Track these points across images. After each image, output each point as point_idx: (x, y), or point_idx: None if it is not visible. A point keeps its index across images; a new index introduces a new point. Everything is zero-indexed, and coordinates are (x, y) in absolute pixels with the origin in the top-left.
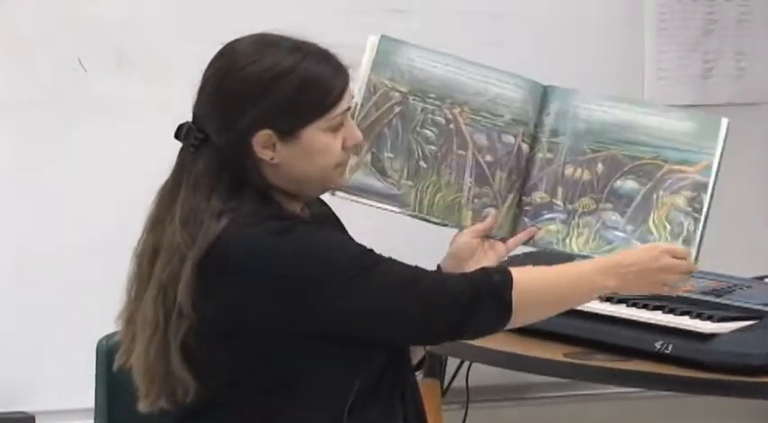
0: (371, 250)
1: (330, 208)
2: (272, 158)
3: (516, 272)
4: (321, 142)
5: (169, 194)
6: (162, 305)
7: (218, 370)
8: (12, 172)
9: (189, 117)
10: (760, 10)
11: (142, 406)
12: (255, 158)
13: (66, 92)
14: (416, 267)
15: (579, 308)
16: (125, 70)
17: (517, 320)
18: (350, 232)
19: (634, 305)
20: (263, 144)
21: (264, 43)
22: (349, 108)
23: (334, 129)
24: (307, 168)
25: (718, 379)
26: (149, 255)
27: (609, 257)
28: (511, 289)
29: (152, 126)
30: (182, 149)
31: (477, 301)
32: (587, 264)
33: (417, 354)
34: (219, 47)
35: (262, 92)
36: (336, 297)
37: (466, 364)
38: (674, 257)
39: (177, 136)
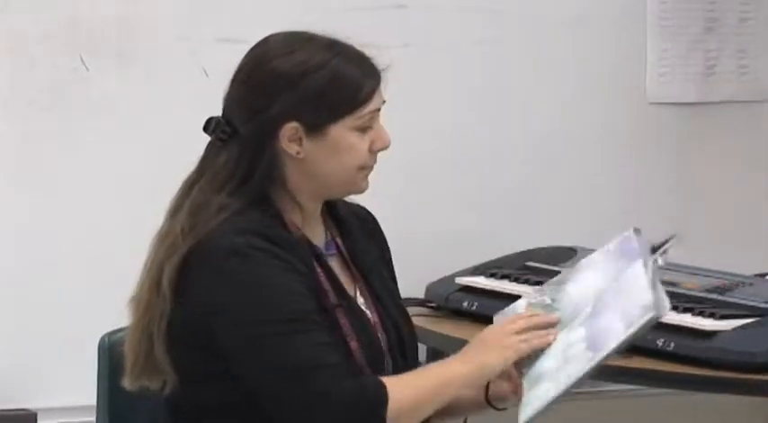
0: (300, 317)
1: (357, 217)
2: (298, 153)
3: (391, 385)
4: (348, 141)
5: (189, 185)
6: (155, 288)
7: (191, 367)
8: (13, 170)
9: (190, 115)
10: (761, 8)
11: (126, 382)
12: (279, 153)
13: (67, 90)
14: (324, 354)
15: None
16: (126, 69)
17: None
18: None
19: None
20: (290, 137)
21: (298, 38)
22: (379, 110)
23: (362, 129)
24: (331, 167)
25: (720, 376)
26: (161, 240)
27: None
28: (385, 405)
29: (153, 125)
30: (209, 143)
31: (353, 413)
32: (453, 361)
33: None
34: (220, 45)
35: (292, 84)
36: (236, 337)
37: None
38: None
39: (206, 129)
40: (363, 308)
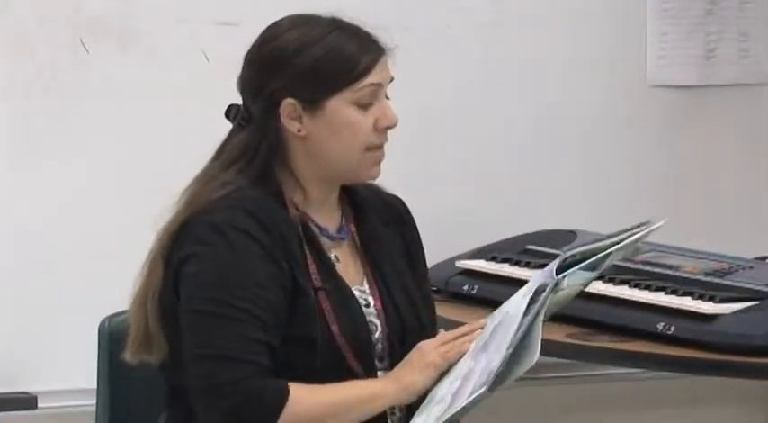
0: (243, 307)
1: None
2: (299, 131)
3: (296, 394)
4: (347, 116)
5: (206, 164)
6: (154, 257)
7: (178, 342)
8: (13, 152)
9: (190, 99)
10: None
11: (127, 355)
12: (283, 132)
13: (67, 73)
14: (245, 349)
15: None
16: (127, 52)
17: None
18: None
19: (636, 286)
20: (289, 114)
21: (303, 18)
22: (380, 85)
23: (363, 105)
24: (333, 145)
25: (720, 359)
26: (172, 211)
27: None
28: (279, 411)
29: (153, 108)
30: (231, 129)
31: (240, 412)
32: (380, 380)
33: None
34: (221, 29)
35: (287, 60)
36: (185, 308)
37: None
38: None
39: (227, 116)
40: (366, 294)
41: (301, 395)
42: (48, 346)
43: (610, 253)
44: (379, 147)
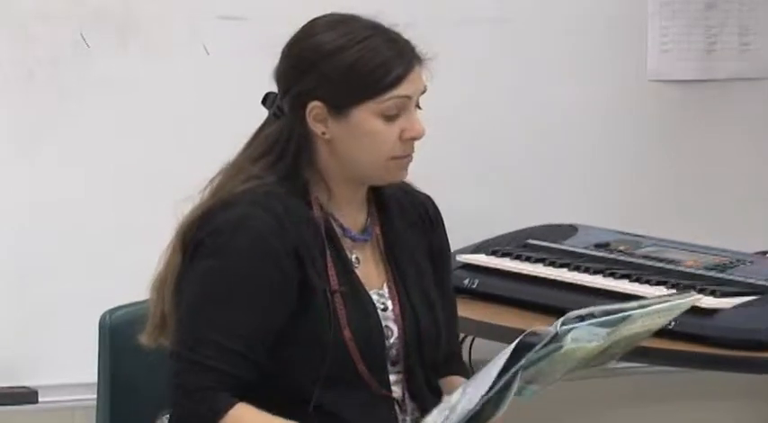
0: (238, 319)
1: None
2: (323, 133)
3: (237, 412)
4: (371, 126)
5: (236, 155)
6: (173, 244)
7: None
8: (12, 147)
9: (190, 92)
10: None
11: (143, 338)
12: (310, 132)
13: (67, 67)
14: (216, 354)
15: (582, 283)
16: (127, 45)
17: None
18: None
19: (637, 280)
20: (315, 117)
21: (341, 19)
22: (409, 98)
23: (389, 116)
24: (357, 152)
25: (721, 354)
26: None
27: None
28: None
29: (153, 101)
30: (265, 119)
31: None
32: None
33: None
34: (221, 22)
35: (317, 62)
36: (184, 301)
37: (468, 338)
38: None
39: (264, 103)
40: (385, 298)
41: (241, 415)
42: (48, 341)
43: (629, 315)
44: (405, 156)
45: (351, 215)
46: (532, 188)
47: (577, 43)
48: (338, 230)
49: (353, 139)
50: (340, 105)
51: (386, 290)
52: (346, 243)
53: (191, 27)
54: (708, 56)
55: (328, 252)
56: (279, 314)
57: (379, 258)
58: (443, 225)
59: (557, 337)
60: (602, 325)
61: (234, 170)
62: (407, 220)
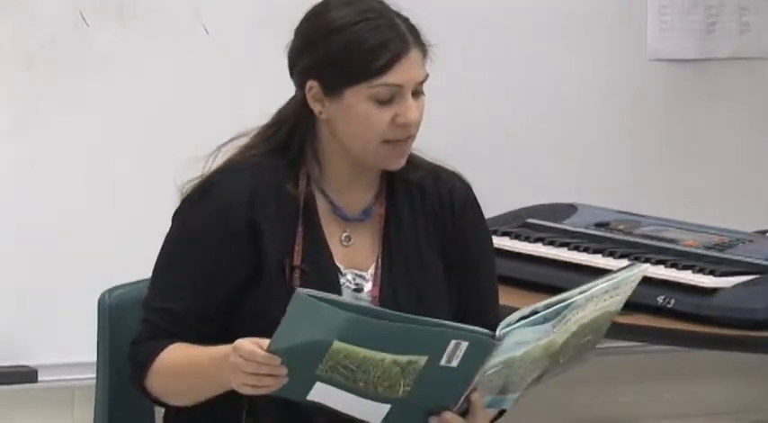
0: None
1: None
2: (320, 112)
3: (159, 361)
4: (362, 110)
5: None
6: None
7: None
8: (13, 125)
9: (190, 71)
10: None
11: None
12: (310, 109)
13: (67, 47)
14: (174, 296)
15: (581, 262)
16: (127, 25)
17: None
18: None
19: (636, 259)
20: (313, 96)
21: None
22: (399, 86)
23: (382, 100)
24: (348, 134)
25: (720, 333)
26: None
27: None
28: (146, 371)
29: (154, 81)
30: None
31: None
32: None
33: None
34: (221, 2)
35: (316, 42)
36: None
37: None
38: (240, 355)
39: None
40: (365, 279)
41: (170, 350)
42: (48, 320)
43: (571, 303)
44: (399, 140)
45: (350, 194)
46: (532, 167)
47: (577, 23)
48: (327, 207)
49: (346, 120)
50: (333, 86)
51: (370, 271)
52: (334, 221)
53: (191, 6)
54: (708, 35)
55: (300, 228)
56: (225, 283)
57: (377, 241)
58: (477, 216)
59: (494, 341)
60: (545, 320)
61: (245, 143)
62: (425, 209)
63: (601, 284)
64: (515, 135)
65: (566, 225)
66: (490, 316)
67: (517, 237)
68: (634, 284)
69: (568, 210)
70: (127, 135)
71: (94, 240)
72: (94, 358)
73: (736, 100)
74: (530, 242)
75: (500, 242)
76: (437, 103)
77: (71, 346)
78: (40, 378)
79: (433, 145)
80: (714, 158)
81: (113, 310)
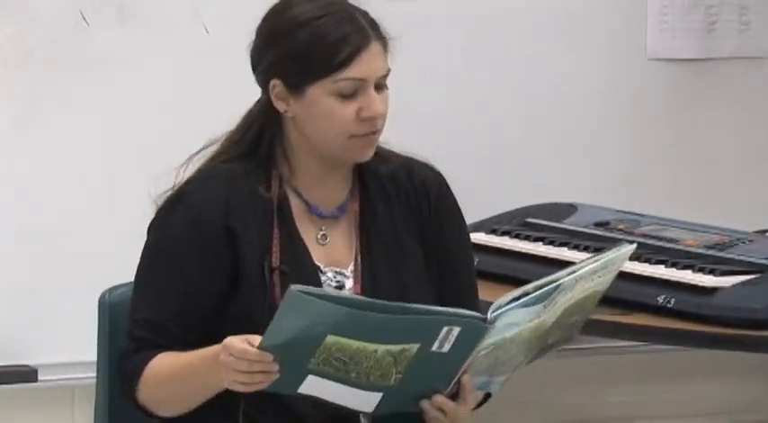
0: (168, 294)
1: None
2: (285, 111)
3: (148, 370)
4: (325, 105)
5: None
6: None
7: None
8: (13, 124)
9: (189, 70)
10: None
11: None
12: (275, 109)
13: (67, 46)
14: (160, 308)
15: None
16: (127, 25)
17: (155, 412)
18: None
19: (636, 259)
20: (277, 94)
21: None
22: (362, 80)
23: (345, 95)
24: (315, 130)
25: (720, 333)
26: None
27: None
28: (136, 382)
29: (153, 80)
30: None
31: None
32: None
33: None
34: (221, 1)
35: (276, 40)
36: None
37: None
38: (231, 354)
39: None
40: (345, 276)
41: (158, 358)
42: (48, 320)
43: (560, 284)
44: (366, 135)
45: (324, 191)
46: (532, 167)
47: (577, 23)
48: (301, 206)
49: (311, 117)
50: (296, 84)
51: (350, 268)
52: (309, 220)
53: (190, 5)
54: (708, 35)
55: (276, 230)
56: (205, 290)
57: (354, 236)
58: (451, 204)
59: (486, 325)
60: (537, 301)
61: (218, 146)
62: (399, 200)
63: (589, 265)
64: (515, 135)
65: (566, 224)
66: (467, 301)
67: (517, 236)
68: (621, 264)
69: (568, 209)
70: (127, 135)
71: (94, 240)
72: (94, 358)
73: (736, 100)
74: (530, 241)
75: (500, 241)
76: (437, 103)
77: (71, 346)
78: (40, 377)
79: (432, 145)
80: (714, 158)
81: (113, 310)
